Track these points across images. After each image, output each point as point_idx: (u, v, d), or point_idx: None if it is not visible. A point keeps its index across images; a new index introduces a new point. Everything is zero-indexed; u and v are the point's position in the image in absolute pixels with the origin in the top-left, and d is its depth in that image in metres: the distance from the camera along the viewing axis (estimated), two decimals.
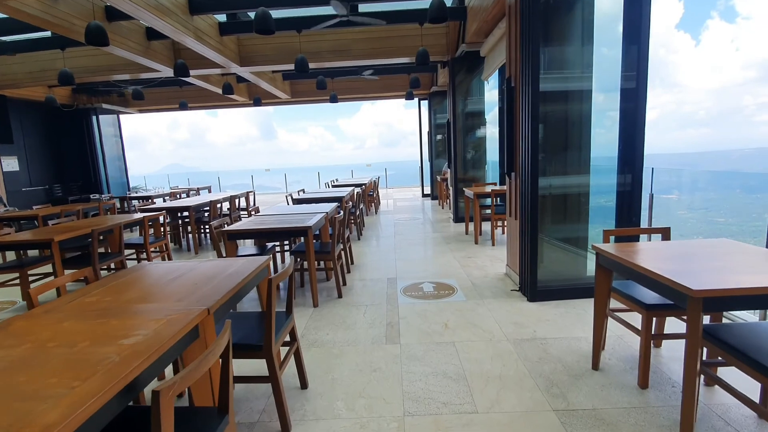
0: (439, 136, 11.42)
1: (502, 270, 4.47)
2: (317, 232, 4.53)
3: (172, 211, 6.42)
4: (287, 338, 2.31)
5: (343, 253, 4.56)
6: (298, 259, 3.99)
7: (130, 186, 11.97)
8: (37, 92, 8.70)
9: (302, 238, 4.18)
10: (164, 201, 9.10)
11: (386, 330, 3.08)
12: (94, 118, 10.62)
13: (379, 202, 11.02)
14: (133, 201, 8.68)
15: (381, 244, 6.12)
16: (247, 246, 4.57)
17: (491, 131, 7.95)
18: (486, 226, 6.81)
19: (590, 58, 3.79)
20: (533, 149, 3.41)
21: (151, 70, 7.24)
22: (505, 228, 6.36)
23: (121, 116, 11.95)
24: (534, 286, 3.51)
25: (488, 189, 6.07)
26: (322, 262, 4.46)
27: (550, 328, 3.00)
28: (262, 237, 3.65)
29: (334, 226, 3.94)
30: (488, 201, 6.52)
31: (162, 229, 5.08)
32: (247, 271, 2.08)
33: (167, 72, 7.12)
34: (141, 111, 12.13)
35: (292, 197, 6.46)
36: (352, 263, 5.02)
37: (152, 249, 4.88)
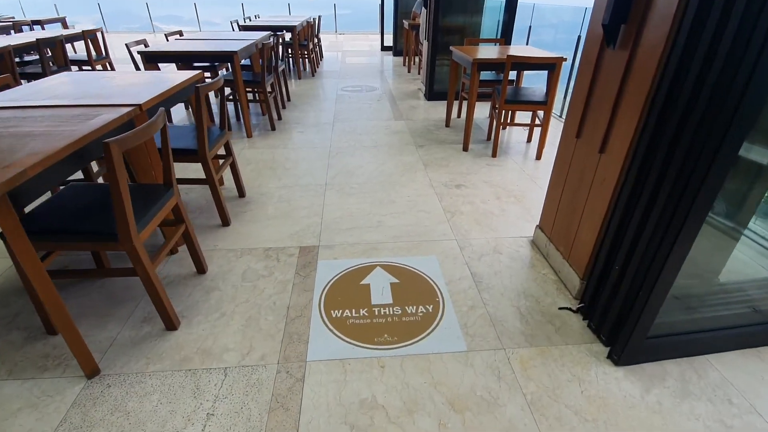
0: None
1: (524, 230, 2.34)
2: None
3: None
4: None
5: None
6: None
7: None
8: None
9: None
10: None
11: None
12: None
13: (321, 56, 7.87)
14: None
15: (308, 141, 3.63)
16: None
17: None
18: (479, 113, 4.40)
19: None
20: None
21: None
22: (512, 129, 3.98)
23: None
24: (639, 340, 1.44)
25: (493, 51, 3.47)
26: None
27: None
28: None
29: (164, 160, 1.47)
30: (492, 74, 4.01)
31: None
32: None
33: None
34: None
35: (145, 48, 3.50)
36: (242, 196, 2.65)
37: None
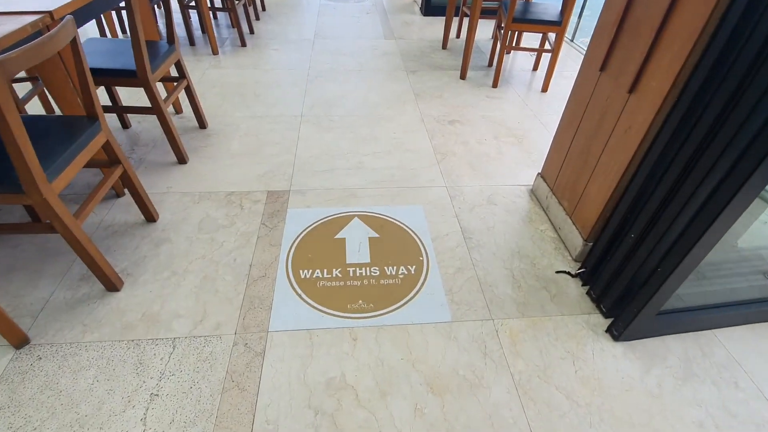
0: None
1: (524, 177, 2.07)
2: None
3: None
4: None
5: None
6: None
7: None
8: None
9: None
10: None
11: None
12: None
13: None
14: None
15: (284, 61, 3.15)
16: None
17: None
18: (481, 34, 3.87)
19: None
20: None
21: None
22: (517, 54, 3.49)
23: None
24: (648, 317, 1.27)
25: None
26: None
27: None
28: None
29: None
30: None
31: None
32: None
33: None
34: None
35: None
36: (203, 127, 2.29)
37: None
